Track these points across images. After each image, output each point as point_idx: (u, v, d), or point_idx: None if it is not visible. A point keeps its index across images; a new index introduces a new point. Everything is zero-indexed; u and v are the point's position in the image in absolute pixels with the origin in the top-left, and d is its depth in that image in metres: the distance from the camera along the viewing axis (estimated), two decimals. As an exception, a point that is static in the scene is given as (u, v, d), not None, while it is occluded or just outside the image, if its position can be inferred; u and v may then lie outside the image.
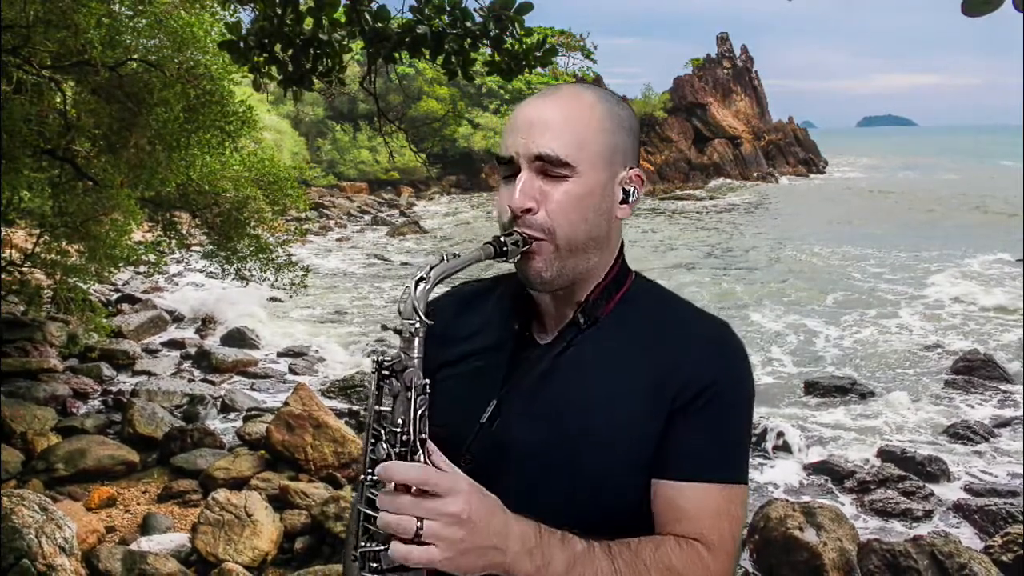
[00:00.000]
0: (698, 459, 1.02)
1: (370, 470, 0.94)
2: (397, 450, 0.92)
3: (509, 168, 1.06)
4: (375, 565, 0.92)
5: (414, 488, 0.88)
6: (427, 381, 0.94)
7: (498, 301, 1.19)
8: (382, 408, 0.95)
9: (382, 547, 0.91)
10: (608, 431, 1.02)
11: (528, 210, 1.03)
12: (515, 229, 1.04)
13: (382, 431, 0.94)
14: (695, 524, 1.00)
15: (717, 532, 1.00)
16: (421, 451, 0.92)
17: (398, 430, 0.92)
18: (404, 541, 0.87)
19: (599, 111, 1.06)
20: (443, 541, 0.87)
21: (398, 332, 0.96)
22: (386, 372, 0.96)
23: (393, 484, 0.89)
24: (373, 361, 0.98)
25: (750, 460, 1.12)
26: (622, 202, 1.09)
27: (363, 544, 0.94)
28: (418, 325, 0.94)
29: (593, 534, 0.97)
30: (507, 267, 1.18)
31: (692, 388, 1.02)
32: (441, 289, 1.06)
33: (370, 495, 0.94)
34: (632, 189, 1.10)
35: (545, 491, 1.00)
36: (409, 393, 0.93)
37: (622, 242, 1.15)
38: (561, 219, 1.03)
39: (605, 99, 1.09)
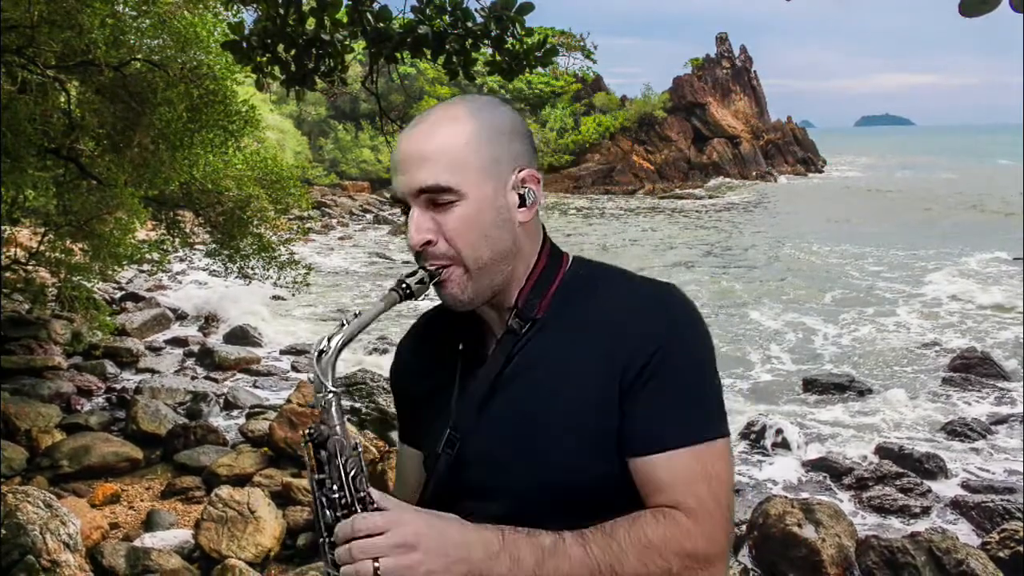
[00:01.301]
0: (660, 429, 1.01)
1: (326, 534, 0.98)
2: (339, 513, 0.96)
3: (402, 205, 1.07)
4: None
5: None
6: (356, 443, 0.98)
7: (442, 329, 1.20)
8: (320, 476, 0.99)
9: None
10: (564, 429, 1.02)
11: (428, 242, 1.04)
12: (421, 265, 1.06)
13: (323, 498, 0.98)
14: (670, 493, 1.00)
15: (693, 496, 0.99)
16: (361, 508, 0.96)
17: (335, 495, 0.96)
18: None
19: (470, 127, 1.05)
20: (401, 571, 0.91)
21: (312, 407, 1.00)
22: (314, 444, 0.99)
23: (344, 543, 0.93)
24: (302, 435, 1.02)
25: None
26: (520, 206, 1.08)
27: None
28: (330, 396, 0.98)
29: (572, 529, 0.98)
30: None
31: (638, 362, 1.01)
32: (359, 343, 1.07)
33: (331, 556, 0.98)
34: (528, 190, 1.08)
35: (514, 501, 1.02)
36: (338, 460, 0.97)
37: (544, 236, 1.14)
38: (461, 243, 1.04)
39: (476, 111, 1.07)
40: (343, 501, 0.96)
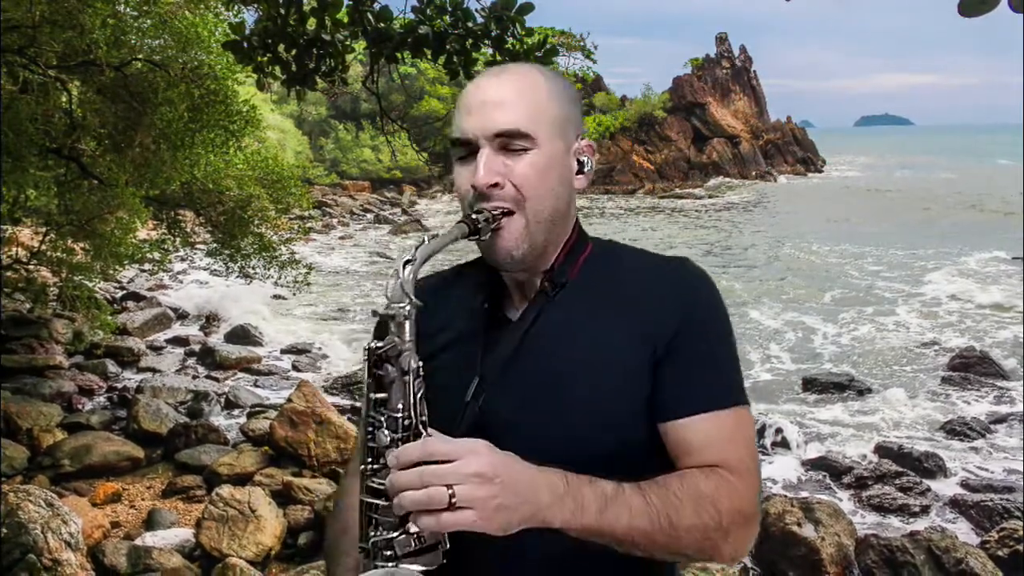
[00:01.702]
0: (695, 393, 1.03)
1: (370, 459, 0.92)
2: (400, 435, 0.90)
3: (467, 149, 1.06)
4: (388, 553, 0.89)
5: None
6: (421, 363, 0.93)
7: (463, 288, 1.19)
8: (378, 395, 0.93)
9: (395, 533, 0.89)
10: (592, 393, 1.03)
11: (495, 185, 1.04)
12: (482, 206, 1.04)
13: (381, 418, 0.92)
14: (710, 453, 1.01)
15: (735, 455, 1.02)
16: (424, 433, 0.91)
17: (398, 415, 0.91)
18: (431, 512, 0.85)
19: (547, 84, 1.08)
20: (476, 502, 0.85)
21: (391, 318, 0.94)
22: (378, 359, 0.93)
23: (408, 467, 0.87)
24: (364, 348, 0.95)
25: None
26: (578, 172, 1.11)
27: (373, 534, 0.91)
28: (409, 308, 0.93)
29: None
30: (470, 256, 1.20)
31: (667, 333, 1.04)
32: (426, 270, 1.06)
33: (371, 484, 0.92)
34: (586, 159, 1.11)
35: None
36: (406, 377, 0.91)
37: (577, 211, 1.17)
38: (528, 190, 1.04)
39: (549, 73, 1.11)
40: (406, 423, 0.90)
